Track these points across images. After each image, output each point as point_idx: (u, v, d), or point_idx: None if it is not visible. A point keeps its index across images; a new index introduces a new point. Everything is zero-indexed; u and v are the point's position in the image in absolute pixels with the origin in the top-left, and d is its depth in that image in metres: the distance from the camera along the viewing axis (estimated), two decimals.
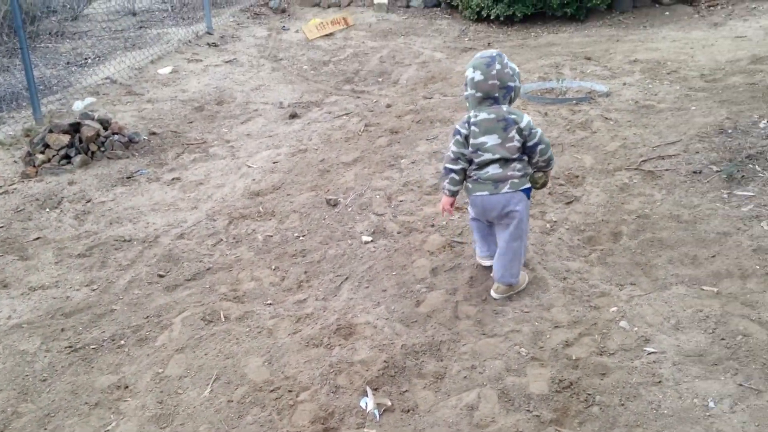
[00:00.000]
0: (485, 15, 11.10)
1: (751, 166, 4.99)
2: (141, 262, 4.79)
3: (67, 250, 5.03)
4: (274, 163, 6.34)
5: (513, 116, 3.70)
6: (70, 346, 3.89)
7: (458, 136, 3.80)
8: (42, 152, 6.48)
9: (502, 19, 10.95)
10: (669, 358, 3.26)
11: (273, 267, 4.58)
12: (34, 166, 6.39)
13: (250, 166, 6.32)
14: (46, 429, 3.29)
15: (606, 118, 6.38)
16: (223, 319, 4.02)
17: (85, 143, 6.55)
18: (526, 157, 3.81)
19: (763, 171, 4.90)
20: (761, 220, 4.34)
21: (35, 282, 4.63)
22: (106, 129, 6.82)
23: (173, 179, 6.15)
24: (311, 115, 7.69)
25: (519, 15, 10.84)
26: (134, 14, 12.25)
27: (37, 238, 5.22)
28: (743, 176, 4.88)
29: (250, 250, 4.83)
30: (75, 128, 6.59)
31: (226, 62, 9.74)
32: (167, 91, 8.55)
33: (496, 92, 3.71)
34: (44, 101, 7.77)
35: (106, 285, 4.54)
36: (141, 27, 11.48)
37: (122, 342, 3.90)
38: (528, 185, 3.82)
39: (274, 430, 3.13)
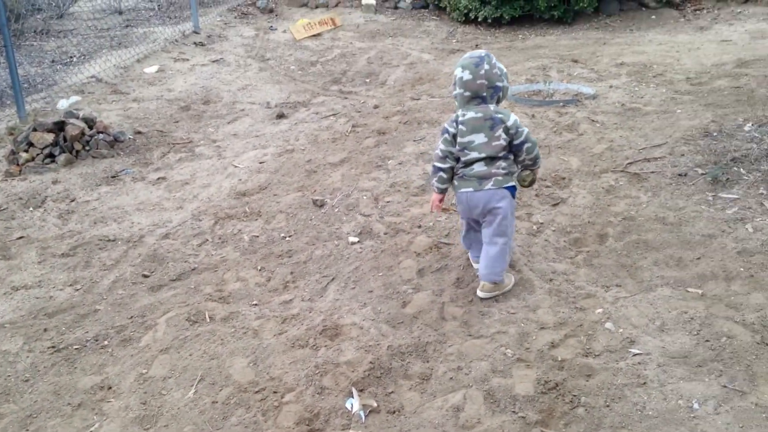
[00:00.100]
0: (473, 17, 11.12)
1: (735, 169, 5.02)
2: (125, 262, 4.76)
3: (50, 249, 4.99)
4: (260, 163, 6.32)
5: (500, 115, 3.76)
6: (53, 347, 3.86)
7: (446, 135, 3.86)
8: (26, 151, 6.42)
9: (489, 21, 10.96)
10: (654, 360, 3.27)
11: (259, 267, 4.56)
12: (18, 164, 6.34)
13: (236, 166, 6.29)
14: (28, 430, 3.25)
15: (593, 121, 6.41)
16: (208, 320, 4.00)
17: (70, 142, 6.50)
18: (511, 156, 3.86)
19: (747, 174, 4.93)
20: (746, 222, 4.37)
21: (18, 281, 4.59)
22: (91, 128, 6.77)
23: (159, 179, 6.11)
24: (298, 116, 7.67)
25: (507, 17, 10.86)
26: (120, 13, 12.18)
27: (21, 238, 5.18)
28: (728, 179, 4.90)
29: (235, 251, 4.81)
30: (59, 127, 6.54)
31: (213, 62, 9.70)
32: (153, 90, 8.51)
33: (484, 92, 3.76)
34: (29, 99, 7.71)
35: (90, 285, 4.51)
36: (127, 26, 11.42)
37: (106, 342, 3.87)
38: (512, 183, 3.87)
39: (259, 431, 3.11)
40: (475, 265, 4.20)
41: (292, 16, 12.25)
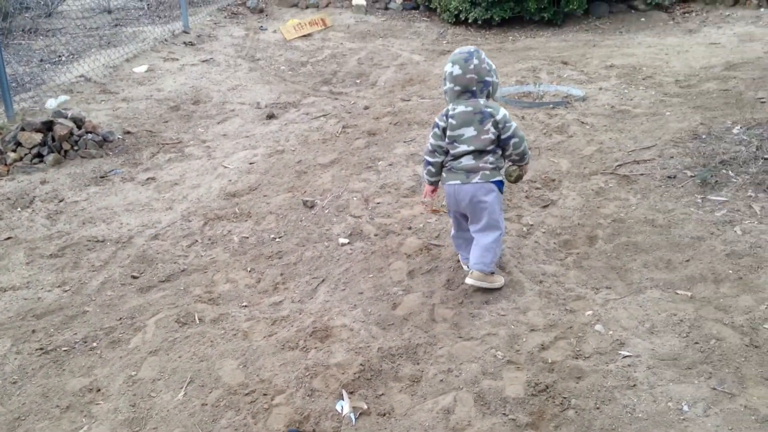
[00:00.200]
0: (463, 18, 11.13)
1: (724, 171, 5.04)
2: (114, 263, 4.74)
3: (38, 250, 4.95)
4: (250, 163, 6.30)
5: (490, 109, 3.83)
6: (41, 348, 3.83)
7: (436, 129, 3.95)
8: (14, 150, 6.38)
9: (480, 22, 10.98)
10: (644, 362, 3.28)
11: (249, 269, 4.55)
12: (6, 164, 6.30)
13: (226, 167, 6.27)
14: None
15: (582, 123, 6.42)
16: (197, 321, 3.98)
17: (58, 142, 6.47)
18: (500, 150, 3.93)
19: (736, 176, 4.95)
20: (734, 225, 4.39)
21: (6, 283, 4.56)
22: (79, 128, 6.74)
23: (148, 179, 6.09)
24: (288, 116, 7.65)
25: (497, 19, 10.88)
26: (109, 12, 12.13)
27: (8, 238, 5.14)
28: (717, 181, 4.93)
29: (225, 252, 4.79)
30: (48, 126, 6.51)
31: (203, 61, 9.67)
32: (142, 90, 8.47)
33: (474, 86, 3.84)
34: (17, 99, 7.66)
35: (79, 286, 4.48)
36: (116, 25, 11.37)
37: (94, 344, 3.85)
38: (500, 178, 3.93)
39: None
40: (465, 267, 4.20)
41: (283, 16, 12.23)
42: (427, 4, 12.11)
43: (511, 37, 10.68)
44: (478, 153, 3.87)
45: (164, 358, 3.67)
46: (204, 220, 5.25)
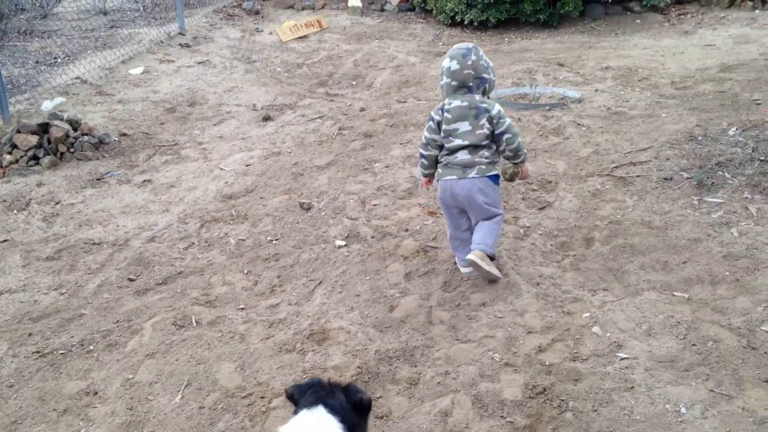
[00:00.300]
0: (459, 20, 11.14)
1: (720, 173, 5.05)
2: (111, 265, 4.73)
3: (35, 253, 4.94)
4: (246, 165, 6.30)
5: (485, 105, 3.90)
6: (38, 352, 3.82)
7: (431, 122, 4.02)
8: (9, 153, 6.37)
9: (475, 24, 10.99)
10: (641, 364, 3.29)
11: (245, 271, 4.54)
12: (2, 166, 6.28)
13: (222, 169, 6.26)
14: None
15: (578, 124, 6.43)
16: (194, 324, 3.98)
17: (54, 144, 6.45)
18: (494, 145, 3.98)
19: (732, 178, 4.96)
20: (731, 226, 4.40)
21: (2, 286, 4.54)
22: (75, 130, 6.72)
23: (144, 181, 6.08)
24: (285, 118, 7.65)
25: (492, 20, 10.89)
26: (105, 13, 12.10)
27: (4, 241, 5.13)
28: (713, 183, 4.94)
29: (222, 254, 4.79)
30: (44, 129, 6.49)
31: (199, 63, 9.66)
32: (138, 92, 8.46)
33: (471, 82, 3.91)
34: (12, 101, 7.63)
35: (75, 289, 4.47)
36: (112, 26, 11.35)
37: (91, 347, 3.84)
38: (496, 172, 3.99)
39: None
40: (463, 270, 4.20)
41: (278, 18, 12.23)
42: (422, 5, 12.11)
43: (506, 39, 10.69)
44: (474, 148, 3.92)
45: (161, 361, 3.66)
46: (200, 223, 5.24)
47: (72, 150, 6.55)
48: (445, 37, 11.04)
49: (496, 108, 3.91)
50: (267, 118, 7.61)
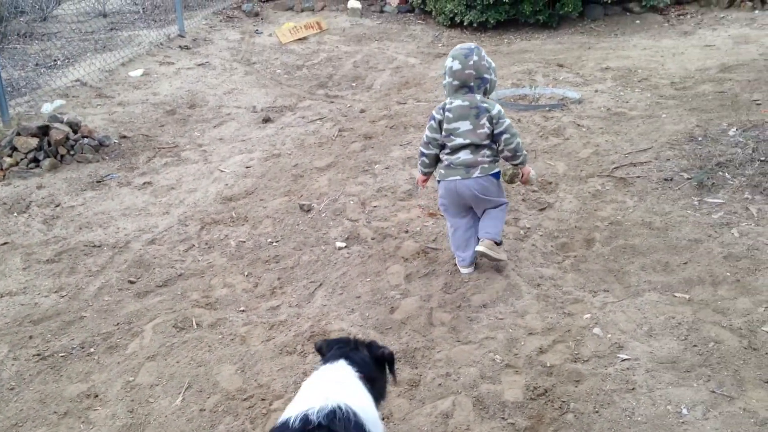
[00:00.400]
0: (458, 21, 11.14)
1: (720, 173, 5.05)
2: (111, 267, 4.72)
3: (35, 255, 4.94)
4: (247, 167, 6.30)
5: (485, 105, 3.96)
6: (39, 354, 3.82)
7: (432, 122, 4.07)
8: (9, 155, 6.37)
9: (475, 25, 10.99)
10: (642, 365, 3.28)
11: (246, 273, 4.54)
12: (2, 169, 6.28)
13: (222, 171, 6.26)
14: None
15: (578, 125, 6.43)
16: (195, 326, 3.97)
17: (54, 146, 6.45)
18: (495, 145, 4.05)
19: (732, 178, 4.96)
20: (732, 227, 4.39)
21: (2, 288, 4.54)
22: (75, 132, 6.72)
23: (144, 183, 6.07)
24: (285, 120, 7.65)
25: (492, 21, 10.89)
26: (105, 16, 12.11)
27: (5, 243, 5.12)
28: (713, 183, 4.94)
29: (222, 256, 4.78)
30: (44, 131, 6.49)
31: (199, 65, 9.66)
32: (138, 94, 8.46)
33: (472, 81, 3.96)
34: (12, 103, 7.64)
35: (76, 291, 4.47)
36: (111, 29, 11.35)
37: (92, 350, 3.83)
38: (498, 169, 4.08)
39: None
40: (463, 271, 4.20)
41: (278, 19, 12.23)
42: (422, 7, 12.12)
43: (506, 40, 10.69)
44: (475, 147, 3.98)
45: (162, 364, 3.66)
46: (201, 225, 5.24)
47: (72, 152, 6.55)
48: (445, 39, 11.04)
49: (497, 108, 3.97)
50: (267, 120, 7.61)
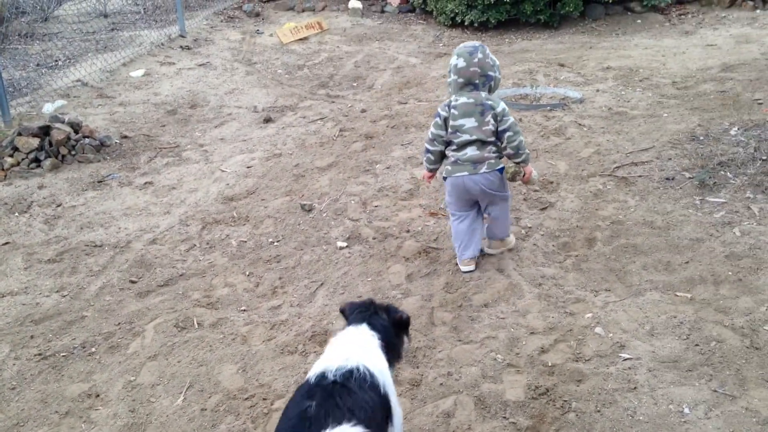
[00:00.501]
0: (459, 21, 11.13)
1: (722, 172, 5.05)
2: (112, 267, 4.72)
3: (36, 255, 4.94)
4: (248, 167, 6.29)
5: (490, 102, 4.02)
6: (40, 354, 3.81)
7: (438, 119, 4.13)
8: (11, 155, 6.37)
9: (476, 25, 10.98)
10: (644, 365, 3.28)
11: (247, 273, 4.54)
12: (3, 169, 6.28)
13: (223, 171, 6.26)
14: None
15: (580, 125, 6.42)
16: (196, 326, 3.97)
17: (56, 146, 6.46)
18: (500, 142, 4.12)
19: (734, 178, 4.96)
20: (733, 226, 4.39)
21: (4, 288, 4.54)
22: (76, 132, 6.72)
23: (145, 183, 6.07)
24: (286, 120, 7.65)
25: (493, 21, 10.89)
26: (106, 16, 12.11)
27: (6, 243, 5.12)
28: (715, 183, 4.93)
29: (223, 256, 4.78)
30: (45, 131, 6.49)
31: (200, 65, 9.66)
32: (139, 94, 8.46)
33: (477, 79, 4.02)
34: (13, 104, 7.64)
35: (77, 291, 4.46)
36: (113, 29, 11.35)
37: (93, 349, 3.83)
38: (503, 165, 4.15)
39: None
40: (464, 268, 4.21)
41: (279, 19, 12.23)
42: (423, 7, 12.11)
43: (507, 40, 10.68)
44: (482, 143, 4.05)
45: (163, 363, 3.66)
46: (202, 225, 5.24)
47: (73, 152, 6.56)
48: (446, 38, 11.04)
49: (501, 105, 4.03)
50: (268, 120, 7.61)
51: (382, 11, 12.63)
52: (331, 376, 2.33)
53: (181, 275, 4.58)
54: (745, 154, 5.23)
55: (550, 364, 3.36)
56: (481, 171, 4.06)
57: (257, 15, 12.42)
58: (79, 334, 3.98)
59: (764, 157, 5.12)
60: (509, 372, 3.34)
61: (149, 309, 4.19)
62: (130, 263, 4.75)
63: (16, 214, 5.56)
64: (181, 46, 10.32)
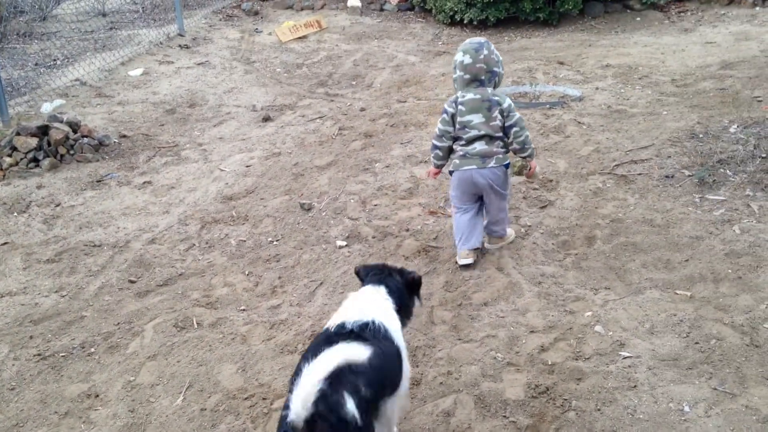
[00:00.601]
0: (458, 19, 11.13)
1: (722, 170, 5.04)
2: (111, 267, 4.72)
3: (35, 255, 4.93)
4: (247, 166, 6.29)
5: (496, 98, 4.10)
6: (39, 354, 3.81)
7: (445, 115, 4.20)
8: (9, 155, 6.36)
9: (475, 23, 10.98)
10: (644, 363, 3.27)
11: (246, 272, 4.53)
12: (2, 169, 6.27)
13: (222, 170, 6.25)
14: None
15: (579, 123, 6.42)
16: (195, 326, 3.97)
17: (54, 146, 6.45)
18: (506, 137, 4.20)
19: (734, 175, 4.95)
20: (733, 224, 4.38)
21: (2, 288, 4.54)
22: (75, 132, 6.71)
23: (144, 183, 6.07)
24: (285, 119, 7.64)
25: (492, 19, 10.88)
26: (104, 15, 12.10)
27: (5, 243, 5.12)
28: (714, 180, 4.92)
29: (223, 255, 4.77)
30: (43, 131, 6.48)
31: (198, 64, 9.65)
32: (138, 94, 8.45)
33: (483, 75, 4.10)
34: (11, 103, 7.63)
35: (76, 291, 4.46)
36: (111, 28, 11.34)
37: (92, 349, 3.83)
38: (509, 161, 4.24)
39: None
40: (461, 261, 4.25)
41: (278, 18, 12.22)
42: (422, 5, 12.10)
43: (506, 38, 10.67)
44: (490, 138, 4.12)
45: (163, 363, 3.65)
46: (201, 224, 5.23)
47: (72, 152, 6.55)
48: (445, 37, 11.03)
49: (507, 101, 4.11)
50: (267, 119, 7.60)
51: (381, 9, 12.62)
52: (349, 326, 2.54)
53: (180, 275, 4.57)
54: (744, 152, 5.22)
55: (550, 363, 3.36)
56: (489, 165, 4.13)
57: (256, 13, 12.40)
58: (79, 334, 3.98)
59: (764, 155, 5.12)
60: (509, 371, 3.34)
61: (148, 309, 4.19)
62: (129, 263, 4.75)
63: (15, 214, 5.56)
64: (179, 45, 10.31)
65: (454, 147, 4.24)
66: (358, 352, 2.27)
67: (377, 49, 10.50)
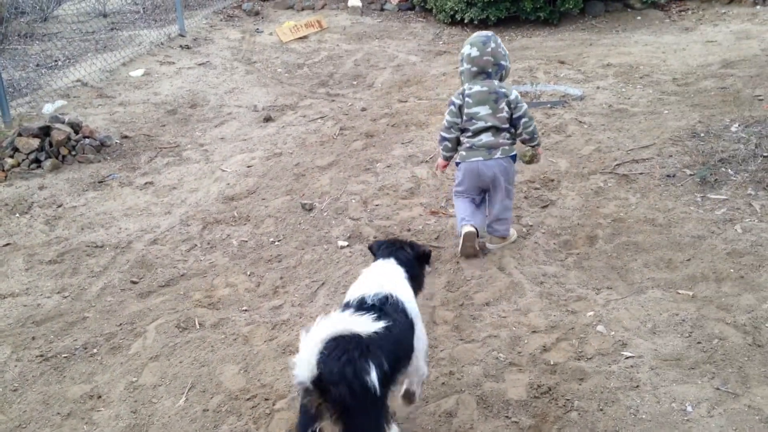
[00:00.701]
0: (459, 18, 11.12)
1: (723, 169, 5.04)
2: (113, 268, 4.72)
3: (37, 256, 4.94)
4: (248, 167, 6.29)
5: (503, 90, 4.19)
6: (42, 355, 3.81)
7: (452, 107, 4.28)
8: (11, 156, 6.36)
9: (476, 22, 10.96)
10: (646, 363, 3.27)
11: (248, 273, 4.54)
12: (3, 170, 6.28)
13: (224, 170, 6.25)
14: None
15: (580, 122, 6.42)
16: (197, 326, 3.97)
17: (56, 147, 6.45)
18: (513, 129, 4.28)
19: (735, 174, 4.95)
20: (734, 223, 4.38)
21: (5, 289, 4.54)
22: (76, 132, 6.71)
23: (146, 183, 6.07)
24: (286, 119, 7.64)
25: (493, 18, 10.87)
26: (105, 16, 12.10)
27: (7, 245, 5.12)
28: (716, 180, 4.92)
29: (224, 256, 4.78)
30: (45, 132, 6.48)
31: (199, 65, 9.65)
32: (139, 94, 8.45)
33: (490, 68, 4.19)
34: (13, 104, 7.63)
35: (78, 292, 4.46)
36: (112, 29, 11.34)
37: (95, 350, 3.83)
38: (515, 152, 4.29)
39: None
40: (463, 230, 4.28)
41: (278, 18, 12.21)
42: (422, 4, 12.09)
43: (507, 37, 10.67)
44: (496, 130, 4.20)
45: (165, 364, 3.65)
46: (203, 224, 5.24)
47: (73, 153, 6.55)
48: (446, 36, 11.02)
49: (514, 93, 4.20)
50: (268, 119, 7.60)
51: (382, 9, 12.61)
52: (369, 301, 2.68)
53: (182, 275, 4.58)
54: (746, 151, 5.22)
55: (552, 363, 3.36)
56: (496, 156, 4.20)
57: (257, 14, 12.40)
58: (81, 335, 3.98)
59: (765, 154, 5.11)
60: (511, 371, 3.34)
61: (150, 309, 4.19)
62: (131, 264, 4.75)
63: (17, 215, 5.56)
64: (180, 46, 10.30)
65: (461, 139, 4.32)
66: (368, 325, 2.35)
67: (378, 48, 10.50)
